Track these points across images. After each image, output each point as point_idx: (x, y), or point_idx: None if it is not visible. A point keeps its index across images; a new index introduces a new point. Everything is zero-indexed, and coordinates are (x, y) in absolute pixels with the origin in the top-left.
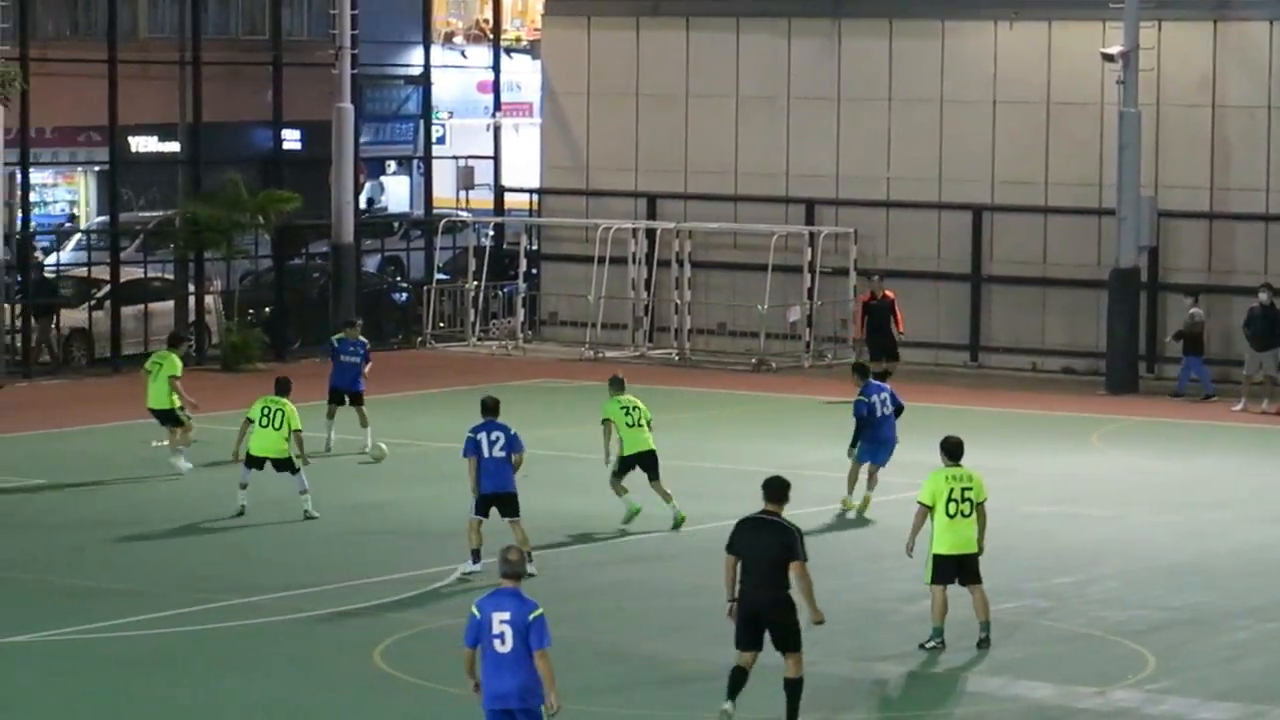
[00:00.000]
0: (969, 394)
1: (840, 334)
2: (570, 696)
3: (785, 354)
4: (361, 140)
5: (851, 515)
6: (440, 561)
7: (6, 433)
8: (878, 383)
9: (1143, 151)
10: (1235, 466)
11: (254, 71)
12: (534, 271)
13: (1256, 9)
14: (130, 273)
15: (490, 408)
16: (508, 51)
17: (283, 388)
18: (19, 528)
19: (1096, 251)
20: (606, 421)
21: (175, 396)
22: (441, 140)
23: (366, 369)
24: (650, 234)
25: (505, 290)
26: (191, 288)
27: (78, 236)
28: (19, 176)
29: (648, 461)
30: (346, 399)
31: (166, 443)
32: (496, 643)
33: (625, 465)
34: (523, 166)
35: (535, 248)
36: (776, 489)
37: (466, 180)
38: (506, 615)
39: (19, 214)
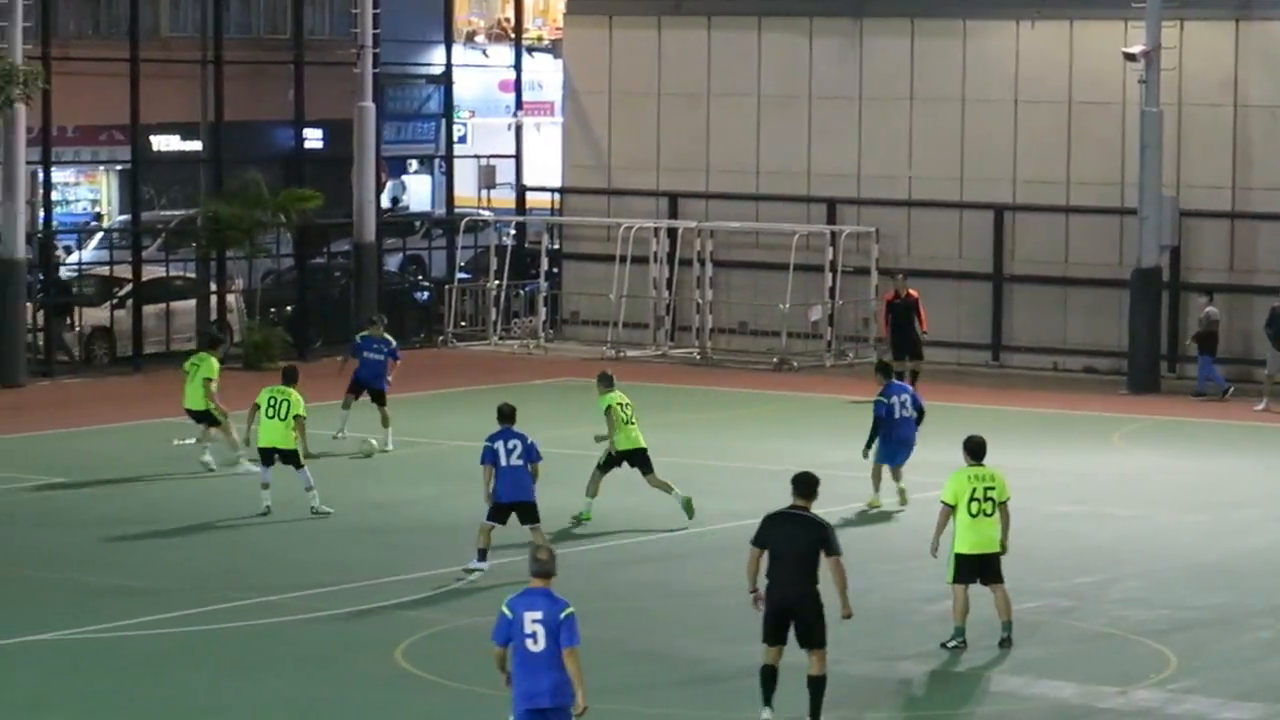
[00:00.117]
0: (990, 393)
1: (862, 333)
2: (594, 696)
3: (807, 353)
4: (383, 139)
5: (899, 505)
6: (458, 561)
7: (28, 431)
8: (900, 384)
9: (1164, 151)
10: (1257, 466)
11: (276, 70)
12: (555, 270)
13: (1279, 9)
14: (152, 271)
15: (507, 415)
16: (529, 50)
17: (289, 377)
18: (40, 526)
19: (1118, 251)
20: (609, 410)
21: (210, 399)
22: (463, 139)
23: (394, 369)
24: (672, 233)
25: (527, 289)
26: (213, 286)
27: (99, 235)
28: (41, 175)
29: (639, 459)
30: (366, 393)
31: (192, 440)
32: (529, 642)
33: (612, 462)
34: (544, 165)
35: (557, 247)
36: (806, 484)
37: (488, 179)
38: (539, 614)
39: (41, 213)
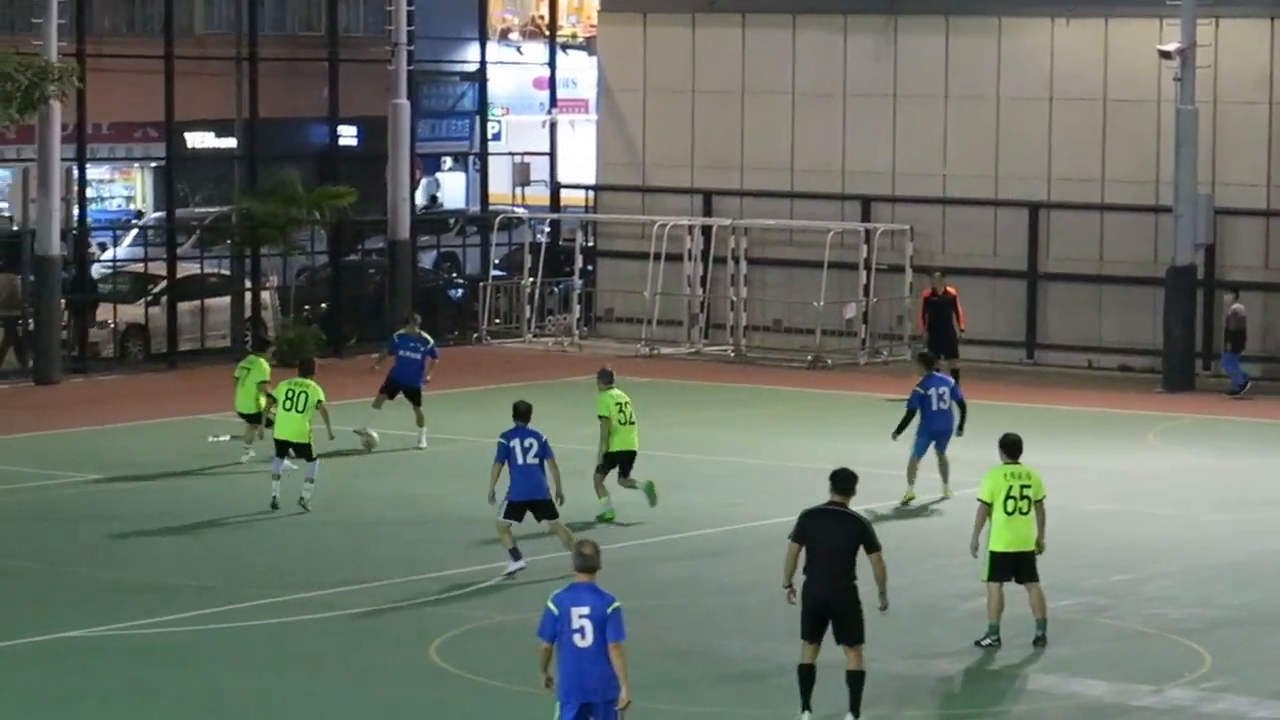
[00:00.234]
0: (1025, 391)
1: (896, 331)
2: (632, 692)
3: (841, 351)
4: (417, 136)
5: (943, 499)
6: (491, 557)
7: (62, 428)
8: (941, 376)
9: (1200, 149)
10: None
11: (310, 68)
12: (590, 268)
13: None
14: (187, 268)
15: (522, 413)
16: (563, 48)
17: (306, 369)
18: (74, 523)
19: (1153, 249)
20: (604, 419)
21: (263, 399)
22: (497, 136)
23: (432, 367)
24: (706, 230)
25: (561, 286)
26: (248, 284)
27: (134, 232)
28: (76, 172)
29: (628, 461)
30: (401, 393)
31: (225, 437)
32: (576, 637)
33: (610, 462)
34: (579, 163)
35: (591, 244)
36: (845, 481)
37: (522, 176)
38: (586, 610)
39: (76, 209)
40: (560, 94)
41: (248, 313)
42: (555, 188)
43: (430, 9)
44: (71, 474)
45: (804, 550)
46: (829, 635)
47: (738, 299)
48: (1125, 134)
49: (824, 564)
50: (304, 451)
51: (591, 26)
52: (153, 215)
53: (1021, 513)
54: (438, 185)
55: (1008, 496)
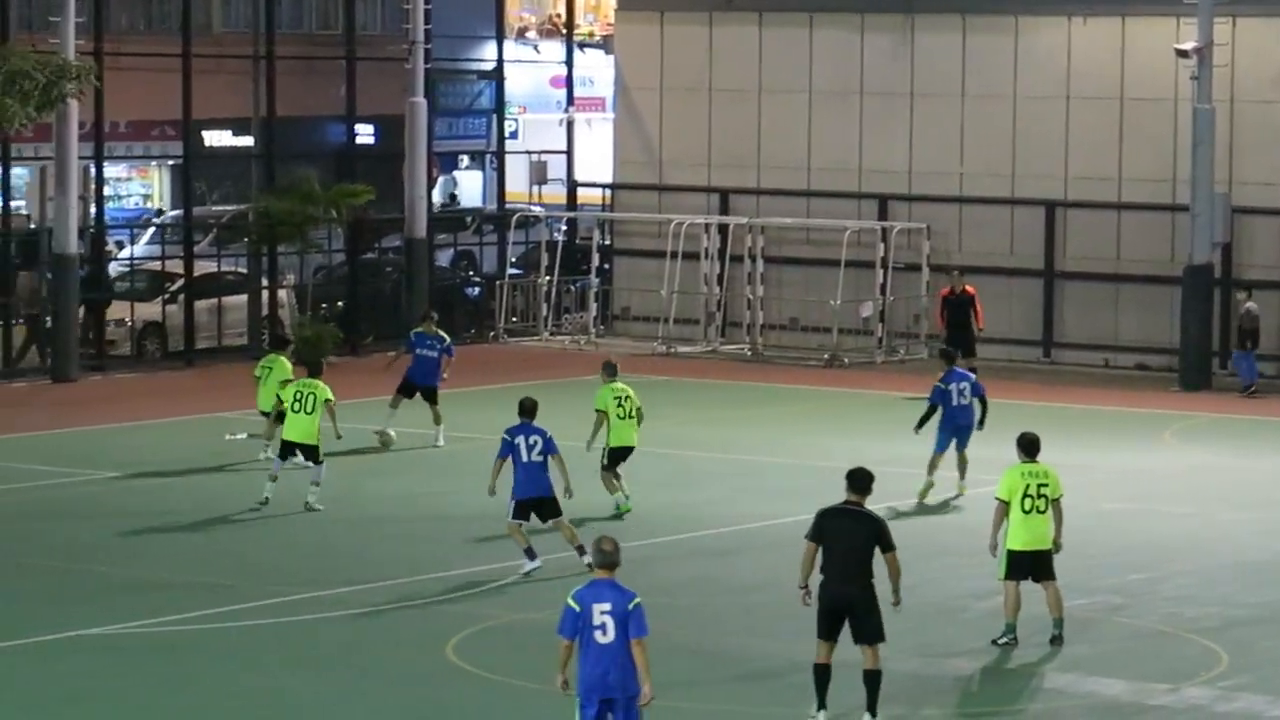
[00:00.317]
0: (1042, 390)
1: (913, 330)
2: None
3: (858, 350)
4: (434, 135)
5: (957, 496)
6: (506, 555)
7: (79, 426)
8: (961, 371)
9: (1217, 147)
10: None
11: (327, 66)
12: (606, 266)
13: None
14: (204, 267)
15: (528, 410)
16: (580, 46)
17: (315, 370)
18: (91, 520)
19: (1170, 248)
20: (600, 413)
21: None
22: (514, 135)
23: (448, 365)
24: (723, 229)
25: (578, 285)
26: (265, 282)
27: (151, 230)
28: (93, 170)
29: (623, 456)
30: (417, 393)
31: (243, 435)
32: (598, 634)
33: (613, 456)
34: (595, 161)
35: (608, 243)
36: (861, 480)
37: (539, 175)
38: (607, 606)
39: (93, 208)
40: (577, 92)
41: (265, 311)
42: (572, 186)
43: (447, 7)
44: (88, 471)
45: (820, 550)
46: (845, 635)
47: (754, 297)
48: (1142, 133)
49: (841, 563)
50: (311, 454)
51: (609, 25)
52: (170, 213)
53: (1039, 511)
54: (455, 184)
55: (1025, 495)
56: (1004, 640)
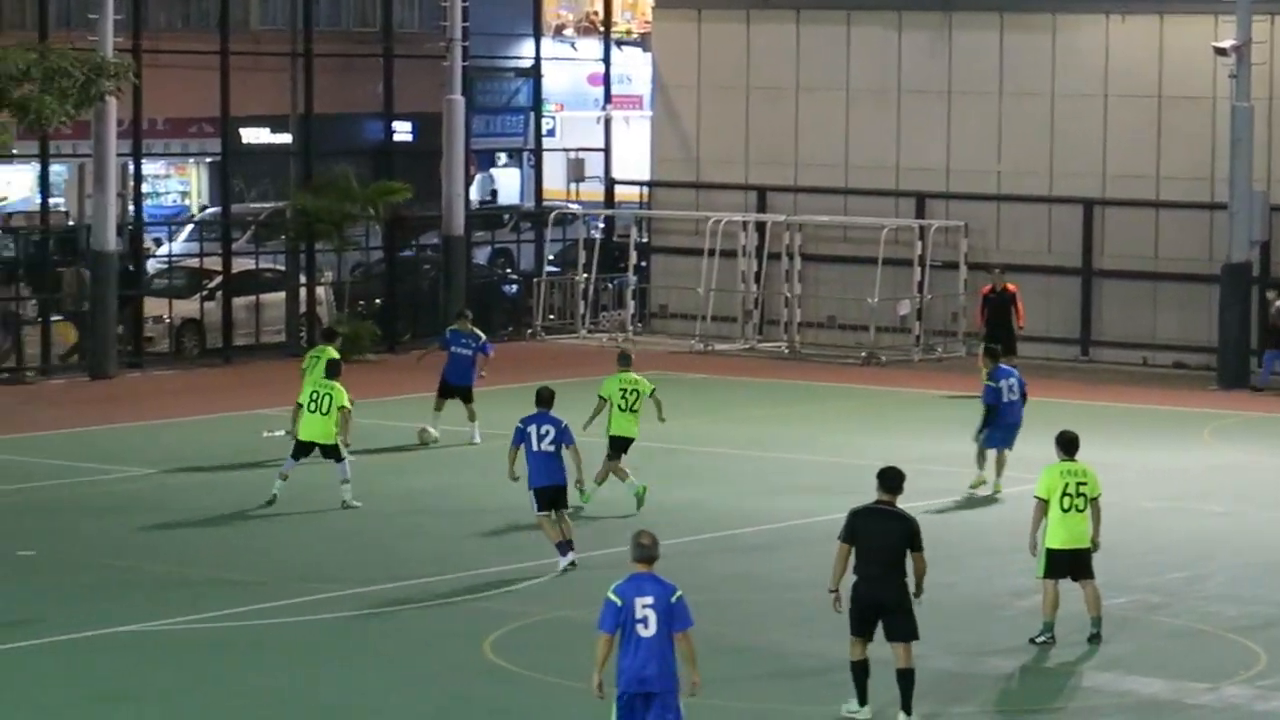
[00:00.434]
0: (1080, 389)
1: (950, 328)
2: (687, 688)
3: (895, 348)
4: (472, 132)
5: (984, 492)
6: (541, 554)
7: (117, 423)
8: (1006, 367)
9: (1255, 146)
10: None
11: (365, 63)
12: (644, 264)
13: None
14: (241, 264)
15: (545, 399)
16: (618, 44)
17: (333, 371)
18: (127, 517)
19: (1208, 246)
20: (602, 400)
21: None
22: (552, 133)
23: (485, 363)
24: (760, 227)
25: (615, 282)
26: (302, 279)
27: (189, 227)
28: (131, 167)
29: (622, 446)
30: (456, 394)
31: (280, 432)
32: (640, 627)
33: (615, 445)
34: (633, 159)
35: (645, 240)
36: (893, 479)
37: (577, 172)
38: (649, 599)
39: (131, 205)
40: (615, 90)
41: (303, 308)
42: (610, 184)
43: (485, 5)
44: (125, 468)
45: (852, 550)
46: (879, 632)
47: (792, 295)
48: (1180, 131)
49: (874, 563)
50: (331, 453)
51: (646, 22)
52: (208, 210)
53: (1078, 510)
54: (494, 181)
55: (1064, 494)
56: (1042, 639)
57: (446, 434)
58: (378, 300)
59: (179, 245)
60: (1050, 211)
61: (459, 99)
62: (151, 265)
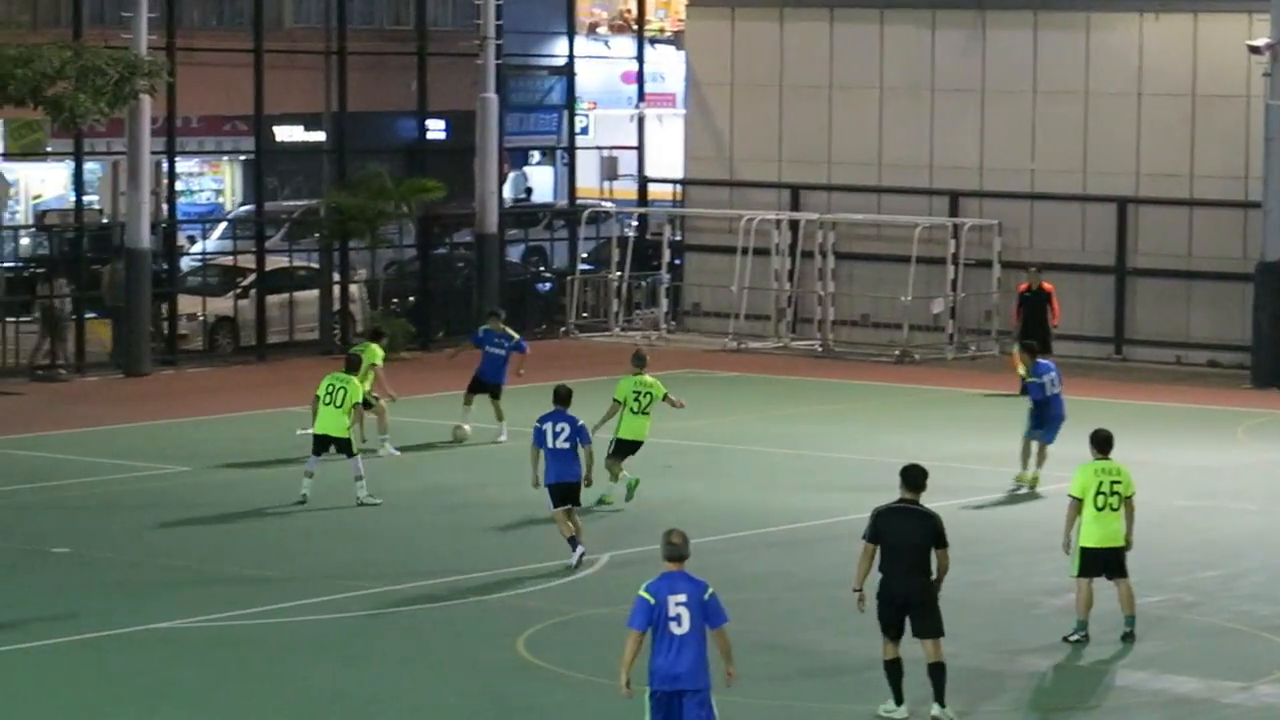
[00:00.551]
0: (1113, 387)
1: (984, 326)
2: (718, 687)
3: (928, 346)
4: (505, 130)
5: (1025, 490)
6: (567, 553)
7: (151, 420)
8: (1044, 361)
9: None
10: None
11: (399, 62)
12: (677, 262)
13: None
14: (275, 262)
15: (562, 397)
16: (651, 42)
17: (352, 365)
18: (160, 514)
19: (1242, 244)
20: (616, 403)
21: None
22: (585, 131)
23: (521, 361)
24: (794, 225)
25: (648, 281)
26: (336, 277)
27: (223, 225)
28: (165, 165)
29: (630, 449)
30: (486, 390)
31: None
32: (673, 625)
33: (621, 448)
34: (666, 157)
35: (679, 238)
36: (916, 477)
37: (610, 171)
38: (683, 597)
39: (165, 203)
40: (648, 88)
41: (336, 306)
42: (643, 182)
43: (519, 3)
44: (159, 465)
45: (878, 549)
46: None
47: (825, 294)
48: (1214, 129)
49: (900, 561)
50: (345, 447)
51: (679, 21)
52: (241, 208)
53: (1112, 509)
54: (527, 179)
55: (1098, 492)
56: (1076, 637)
57: (474, 432)
58: (411, 298)
59: (213, 243)
60: (1084, 210)
61: (492, 97)
62: (185, 263)
